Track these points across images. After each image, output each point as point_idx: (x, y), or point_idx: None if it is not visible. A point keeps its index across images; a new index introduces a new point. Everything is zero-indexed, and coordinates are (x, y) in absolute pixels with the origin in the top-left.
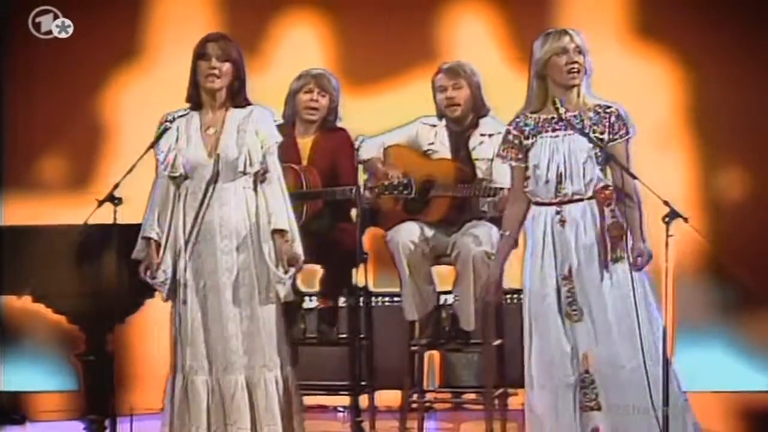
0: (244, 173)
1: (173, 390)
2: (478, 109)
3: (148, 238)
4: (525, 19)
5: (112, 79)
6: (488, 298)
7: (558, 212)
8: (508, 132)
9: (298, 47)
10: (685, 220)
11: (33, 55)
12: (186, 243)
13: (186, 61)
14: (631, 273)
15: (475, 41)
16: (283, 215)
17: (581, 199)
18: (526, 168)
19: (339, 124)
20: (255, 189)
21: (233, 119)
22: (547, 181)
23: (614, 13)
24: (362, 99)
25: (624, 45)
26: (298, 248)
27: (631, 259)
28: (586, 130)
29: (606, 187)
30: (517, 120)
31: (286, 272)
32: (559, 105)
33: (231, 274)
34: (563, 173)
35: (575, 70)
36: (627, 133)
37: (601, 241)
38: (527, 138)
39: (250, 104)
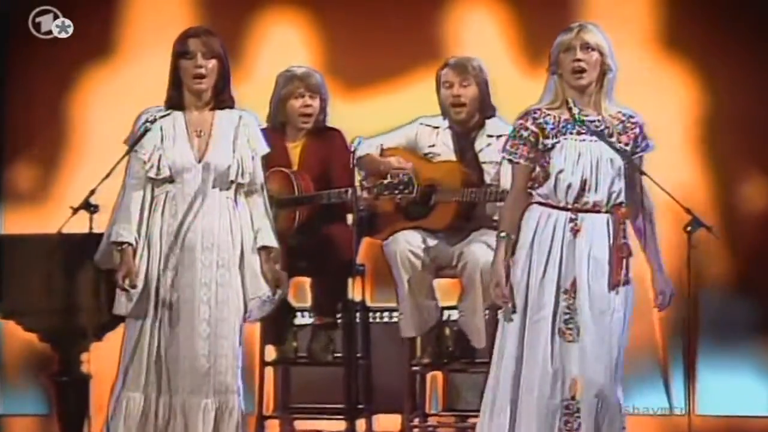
0: (234, 183)
1: (124, 409)
2: (485, 109)
3: (123, 243)
4: (535, 19)
5: (101, 80)
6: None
7: (572, 219)
8: (522, 127)
9: (281, 46)
10: (709, 229)
11: (33, 55)
12: (167, 253)
13: (166, 60)
14: (626, 298)
15: (473, 41)
16: (270, 231)
17: (599, 211)
18: (533, 168)
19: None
20: (235, 199)
21: (222, 123)
22: (569, 186)
23: (635, 19)
24: (352, 100)
25: (644, 51)
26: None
27: (651, 295)
28: (612, 138)
29: (623, 204)
30: (534, 116)
31: (274, 294)
32: (572, 105)
33: (209, 289)
34: (588, 180)
35: (579, 69)
36: (647, 147)
37: (612, 261)
38: (547, 137)
39: (233, 102)
